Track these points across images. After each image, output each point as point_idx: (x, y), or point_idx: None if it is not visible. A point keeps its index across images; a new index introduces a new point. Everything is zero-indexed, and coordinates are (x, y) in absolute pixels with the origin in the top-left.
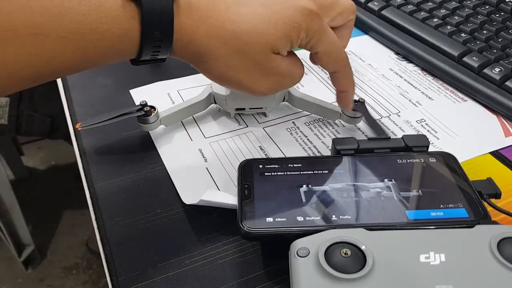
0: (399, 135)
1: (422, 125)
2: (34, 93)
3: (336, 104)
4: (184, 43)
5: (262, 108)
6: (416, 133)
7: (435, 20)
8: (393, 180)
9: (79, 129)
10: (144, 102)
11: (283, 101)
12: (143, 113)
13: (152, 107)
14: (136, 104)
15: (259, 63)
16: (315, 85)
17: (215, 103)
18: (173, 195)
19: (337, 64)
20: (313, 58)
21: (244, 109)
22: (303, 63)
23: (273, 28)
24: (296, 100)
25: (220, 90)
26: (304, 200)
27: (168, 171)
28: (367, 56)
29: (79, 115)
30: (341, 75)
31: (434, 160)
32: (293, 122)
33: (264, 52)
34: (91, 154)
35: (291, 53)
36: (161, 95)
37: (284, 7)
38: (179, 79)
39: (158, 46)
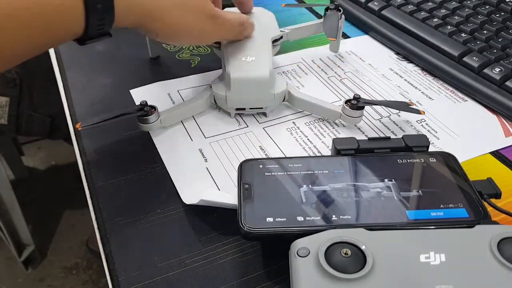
0: (399, 135)
1: (422, 125)
2: (34, 93)
3: (336, 104)
4: (127, 6)
5: (262, 108)
6: (416, 133)
7: (435, 20)
8: (393, 180)
9: (79, 128)
10: (144, 102)
11: (283, 101)
12: (143, 113)
13: (152, 107)
14: (137, 104)
15: (200, 7)
16: (315, 85)
17: (215, 103)
18: (173, 195)
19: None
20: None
21: (244, 109)
22: (303, 63)
23: None
24: (296, 100)
25: (220, 90)
26: (304, 200)
27: (168, 171)
28: (367, 56)
29: (79, 115)
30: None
31: (434, 160)
32: (293, 122)
33: None
34: (91, 154)
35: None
36: (161, 95)
37: None
38: (179, 79)
39: (102, 18)
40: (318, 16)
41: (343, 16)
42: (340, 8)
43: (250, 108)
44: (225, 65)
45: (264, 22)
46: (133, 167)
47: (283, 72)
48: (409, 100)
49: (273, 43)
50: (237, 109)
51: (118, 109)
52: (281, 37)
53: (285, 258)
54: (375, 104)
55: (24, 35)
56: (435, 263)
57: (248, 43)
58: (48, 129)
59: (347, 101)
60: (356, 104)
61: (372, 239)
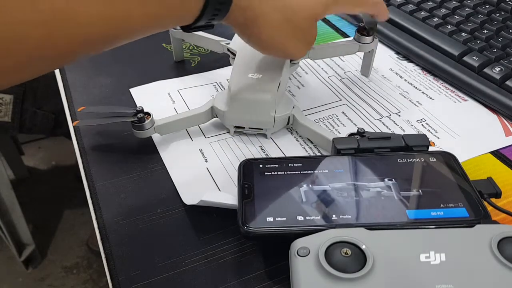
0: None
1: (422, 125)
2: (37, 91)
3: (340, 131)
4: (240, 7)
5: (262, 129)
6: (416, 133)
7: (436, 19)
8: (393, 179)
9: (75, 124)
10: (141, 108)
11: (287, 124)
12: (136, 119)
13: (147, 114)
14: (137, 104)
15: (304, 30)
16: (315, 85)
17: (217, 117)
18: (173, 195)
19: (374, 7)
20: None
21: (243, 127)
22: (304, 62)
23: (318, 1)
24: (300, 127)
25: (221, 104)
26: (304, 199)
27: (168, 171)
28: None
29: (79, 115)
30: (380, 7)
31: (435, 160)
32: None
33: (310, 20)
34: (91, 154)
35: None
36: (161, 94)
37: None
38: (179, 78)
39: (218, 9)
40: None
41: (376, 39)
42: (369, 30)
43: (250, 128)
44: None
45: None
46: (133, 167)
47: None
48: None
49: (291, 61)
50: (236, 126)
51: (117, 107)
52: None
53: (285, 258)
54: (381, 138)
55: (144, 17)
56: (435, 263)
57: (261, 58)
58: (51, 126)
59: (350, 135)
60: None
61: (372, 238)
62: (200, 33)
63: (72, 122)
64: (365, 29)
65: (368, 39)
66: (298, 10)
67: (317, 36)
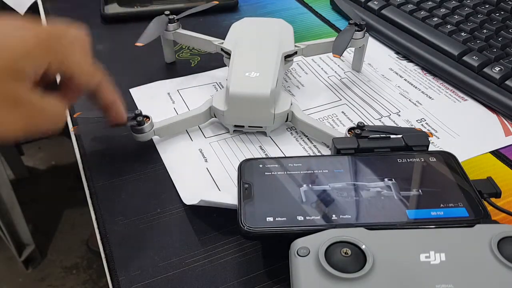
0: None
1: (422, 125)
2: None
3: (339, 129)
4: None
5: (262, 127)
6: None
7: (435, 19)
8: (393, 179)
9: (76, 116)
10: (139, 111)
11: (286, 121)
12: (135, 122)
13: (146, 116)
14: (137, 105)
15: None
16: (315, 85)
17: (215, 117)
18: (173, 195)
19: (98, 76)
20: (70, 85)
21: (243, 126)
22: (303, 62)
23: (5, 50)
24: (299, 123)
25: (219, 104)
26: (304, 199)
27: (168, 171)
28: (367, 55)
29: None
30: (105, 85)
31: (434, 160)
32: None
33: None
34: (91, 154)
35: (51, 91)
36: (160, 94)
37: (18, 28)
38: (179, 78)
39: None
40: (319, 16)
41: (367, 34)
42: (360, 25)
43: (249, 126)
44: (227, 79)
45: (279, 36)
46: (133, 167)
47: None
48: (418, 127)
49: (286, 58)
50: (235, 125)
51: None
52: (296, 53)
53: (285, 258)
54: (381, 132)
55: None
56: (435, 263)
57: (257, 56)
58: None
59: (350, 129)
60: (360, 133)
61: (372, 238)
62: (192, 33)
63: (72, 123)
64: (356, 24)
65: (359, 34)
66: None
67: (312, 34)
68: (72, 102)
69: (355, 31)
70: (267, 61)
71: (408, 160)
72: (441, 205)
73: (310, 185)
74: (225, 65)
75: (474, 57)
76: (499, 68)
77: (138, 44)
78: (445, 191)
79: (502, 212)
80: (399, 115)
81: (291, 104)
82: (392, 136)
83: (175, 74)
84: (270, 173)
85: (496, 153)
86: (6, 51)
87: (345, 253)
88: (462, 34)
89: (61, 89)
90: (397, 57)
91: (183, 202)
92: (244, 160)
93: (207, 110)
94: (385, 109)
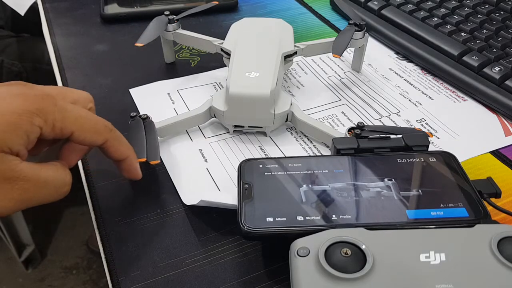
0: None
1: (422, 125)
2: None
3: (339, 129)
4: None
5: (262, 127)
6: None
7: (435, 19)
8: (393, 179)
9: None
10: (139, 113)
11: (286, 121)
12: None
13: (146, 118)
14: (137, 105)
15: None
16: (315, 85)
17: (215, 117)
18: (173, 195)
19: (101, 134)
20: (72, 146)
21: (243, 126)
22: (303, 62)
23: None
24: (299, 123)
25: (219, 104)
26: (304, 199)
27: (168, 171)
28: (367, 55)
29: None
30: (112, 143)
31: (434, 160)
32: None
33: None
34: (91, 154)
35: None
36: (160, 94)
37: (2, 98)
38: (179, 78)
39: None
40: (319, 16)
41: (367, 34)
42: (360, 25)
43: (249, 127)
44: (227, 79)
45: (279, 36)
46: None
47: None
48: (418, 127)
49: (286, 58)
50: (235, 126)
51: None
52: (295, 53)
53: (285, 258)
54: (381, 132)
55: None
56: (435, 263)
57: (257, 56)
58: None
59: (350, 129)
60: (360, 133)
61: (372, 238)
62: (192, 33)
63: None
64: (356, 25)
65: (359, 34)
66: None
67: (312, 34)
68: (74, 165)
69: (355, 31)
70: (267, 61)
71: (408, 160)
72: (441, 205)
73: (310, 185)
74: (225, 65)
75: (474, 57)
76: (499, 68)
77: (138, 44)
78: (445, 191)
79: (502, 212)
80: (399, 115)
81: (291, 104)
82: (392, 136)
83: (175, 74)
84: (270, 173)
85: (496, 153)
86: None
87: (345, 253)
88: (462, 34)
89: (63, 152)
90: (397, 57)
91: (183, 202)
92: (244, 160)
93: (207, 110)
94: (385, 109)
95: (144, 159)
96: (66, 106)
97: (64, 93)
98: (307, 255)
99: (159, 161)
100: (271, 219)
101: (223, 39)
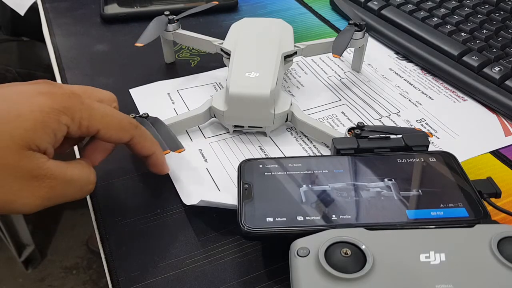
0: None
1: (422, 125)
2: None
3: (339, 129)
4: None
5: (261, 127)
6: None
7: (435, 19)
8: (393, 179)
9: None
10: (139, 113)
11: (286, 121)
12: None
13: (144, 116)
14: (137, 105)
15: (8, 164)
16: (315, 85)
17: (215, 117)
18: (173, 195)
19: (127, 131)
20: (100, 143)
21: (243, 126)
22: (303, 62)
23: (19, 119)
24: (299, 123)
25: (219, 104)
26: (304, 199)
27: (168, 172)
28: (367, 55)
29: None
30: (138, 139)
31: (434, 160)
32: None
33: (12, 148)
34: None
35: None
36: (160, 94)
37: (30, 96)
38: (179, 78)
39: None
40: (319, 16)
41: (367, 34)
42: (360, 25)
43: (249, 127)
44: (227, 79)
45: (279, 36)
46: (133, 167)
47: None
48: (418, 127)
49: (286, 58)
50: (235, 126)
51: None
52: (295, 53)
53: (285, 258)
54: (381, 132)
55: None
56: (435, 263)
57: (256, 57)
58: None
59: (350, 129)
60: (360, 133)
61: (372, 238)
62: (192, 33)
63: None
64: (356, 25)
65: (359, 34)
66: None
67: (312, 34)
68: (98, 164)
69: (355, 31)
70: (267, 61)
71: (408, 160)
72: (441, 205)
73: (310, 185)
74: (225, 65)
75: (474, 57)
76: (498, 68)
77: (138, 44)
78: (445, 191)
79: (502, 212)
80: (399, 115)
81: (291, 104)
82: (392, 136)
83: (175, 74)
84: (270, 173)
85: (496, 153)
86: (16, 122)
87: (345, 253)
88: (462, 34)
89: (87, 151)
90: (397, 57)
91: (183, 202)
92: (244, 160)
93: (207, 110)
94: (385, 109)
95: (168, 151)
96: (92, 104)
97: (90, 92)
98: (307, 255)
99: (184, 148)
100: (271, 219)
101: (223, 39)
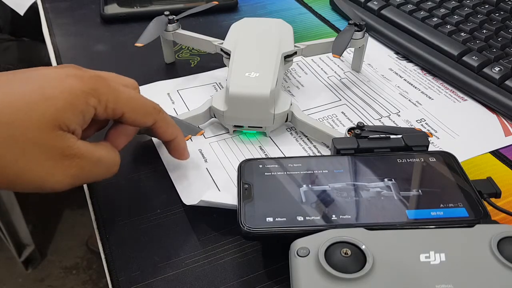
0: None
1: (422, 125)
2: None
3: (339, 129)
4: None
5: (261, 127)
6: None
7: (435, 19)
8: (393, 179)
9: None
10: None
11: (286, 121)
12: None
13: None
14: None
15: (40, 143)
16: (315, 85)
17: (215, 117)
18: (173, 195)
19: (151, 115)
20: (123, 128)
21: (242, 126)
22: (303, 62)
23: (50, 100)
24: (299, 123)
25: (219, 105)
26: (304, 199)
27: (168, 171)
28: (367, 55)
29: None
30: (160, 124)
31: (434, 160)
32: None
33: (44, 128)
34: None
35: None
36: (160, 94)
37: (60, 78)
38: (179, 78)
39: None
40: (319, 16)
41: (367, 34)
42: (360, 25)
43: (249, 127)
44: (227, 79)
45: (279, 36)
46: (133, 167)
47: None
48: (418, 127)
49: (286, 58)
50: (235, 126)
51: None
52: (295, 53)
53: (285, 258)
54: (381, 132)
55: None
56: (435, 263)
57: (256, 57)
58: None
59: (350, 129)
60: (360, 133)
61: (372, 238)
62: (192, 33)
63: None
64: (356, 25)
65: (359, 34)
66: (19, 119)
67: (312, 34)
68: (121, 148)
69: (355, 31)
70: (267, 61)
71: (408, 160)
72: (441, 205)
73: (310, 186)
74: (225, 65)
75: (473, 57)
76: (498, 68)
77: (138, 44)
78: (445, 191)
79: (502, 212)
80: (399, 115)
81: (291, 104)
82: (392, 136)
83: (175, 74)
84: (270, 174)
85: (496, 153)
86: (48, 103)
87: (345, 253)
88: (462, 34)
89: (110, 135)
90: (397, 57)
91: (183, 202)
92: (244, 160)
93: (206, 110)
94: (384, 109)
95: (189, 136)
96: (118, 87)
97: (114, 77)
98: (307, 255)
99: (203, 130)
100: (271, 219)
101: (223, 39)
